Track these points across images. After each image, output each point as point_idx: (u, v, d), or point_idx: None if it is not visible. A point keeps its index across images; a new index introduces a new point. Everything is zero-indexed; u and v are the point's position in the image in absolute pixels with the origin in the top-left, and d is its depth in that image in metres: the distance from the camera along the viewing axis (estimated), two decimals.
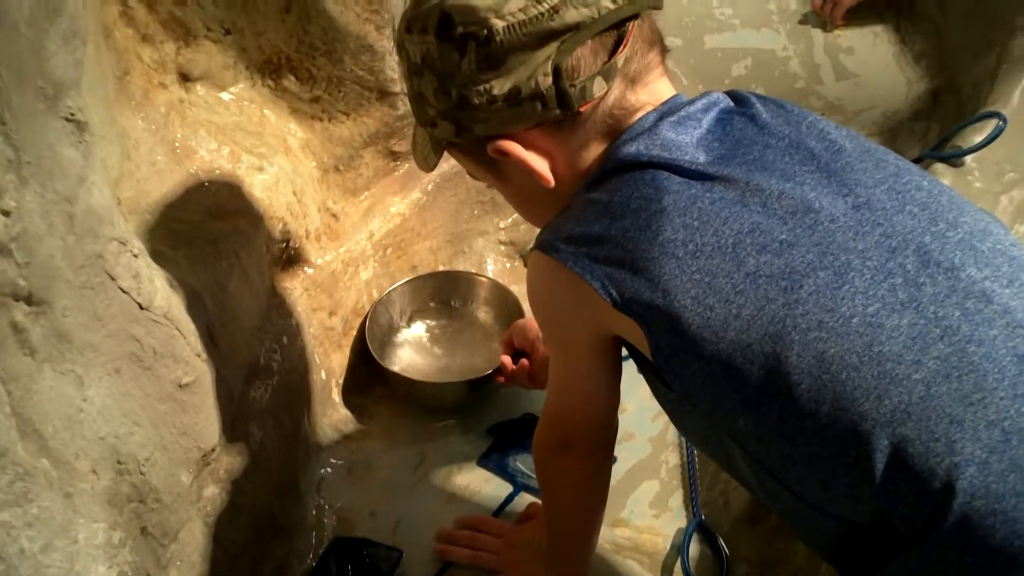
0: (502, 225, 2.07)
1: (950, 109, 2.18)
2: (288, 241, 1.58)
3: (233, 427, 1.31)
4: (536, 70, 0.99)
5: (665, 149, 0.99)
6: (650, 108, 1.04)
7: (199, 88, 1.54)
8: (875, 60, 2.45)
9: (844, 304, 0.88)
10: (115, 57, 1.32)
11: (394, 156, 1.83)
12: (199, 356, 1.18)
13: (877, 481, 0.85)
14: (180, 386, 1.12)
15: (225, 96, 1.59)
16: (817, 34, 2.52)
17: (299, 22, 1.57)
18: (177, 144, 1.43)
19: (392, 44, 1.64)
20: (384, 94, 1.70)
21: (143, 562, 1.01)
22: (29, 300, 0.83)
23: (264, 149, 1.58)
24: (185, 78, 1.51)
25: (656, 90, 1.06)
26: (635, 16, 1.01)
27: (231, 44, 1.55)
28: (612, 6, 0.98)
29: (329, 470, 1.63)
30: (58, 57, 0.87)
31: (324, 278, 1.69)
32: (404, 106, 1.75)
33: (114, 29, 1.34)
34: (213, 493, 1.25)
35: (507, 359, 1.63)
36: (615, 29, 1.00)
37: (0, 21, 0.77)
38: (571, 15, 0.96)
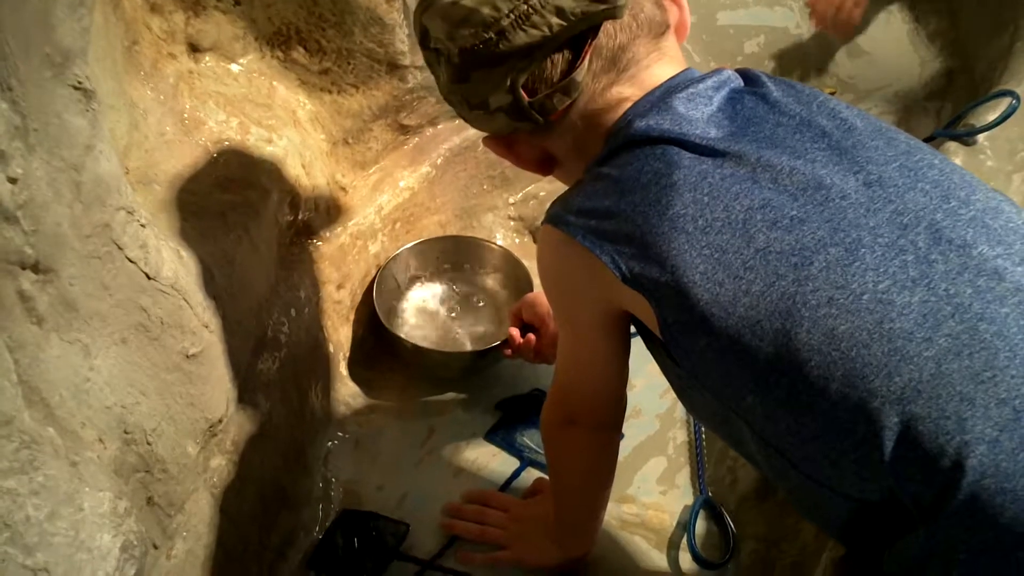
0: (511, 200, 2.06)
1: (964, 88, 2.17)
2: (297, 214, 1.58)
3: (240, 398, 1.31)
4: (496, 87, 1.03)
5: (676, 123, 0.99)
6: (640, 96, 1.04)
7: (208, 59, 1.53)
8: (888, 38, 2.43)
9: (855, 281, 0.87)
10: (124, 27, 1.32)
11: (403, 129, 1.83)
12: (206, 327, 1.17)
13: (886, 459, 0.84)
14: (187, 357, 1.12)
15: (234, 67, 1.58)
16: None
17: None
18: (186, 115, 1.42)
19: (402, 17, 1.64)
20: (394, 67, 1.69)
21: (149, 532, 1.01)
22: (36, 268, 0.83)
23: (273, 121, 1.57)
24: (194, 49, 1.51)
25: (653, 75, 1.06)
26: (594, 28, 1.01)
27: (240, 15, 1.54)
28: (563, 23, 0.98)
29: (336, 443, 1.63)
30: (65, 25, 0.87)
31: (332, 251, 1.69)
32: (413, 79, 1.74)
33: None
34: (220, 464, 1.26)
35: (515, 332, 1.63)
36: (571, 46, 1.01)
37: None
38: (520, 38, 0.99)
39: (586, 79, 1.03)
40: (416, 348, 1.73)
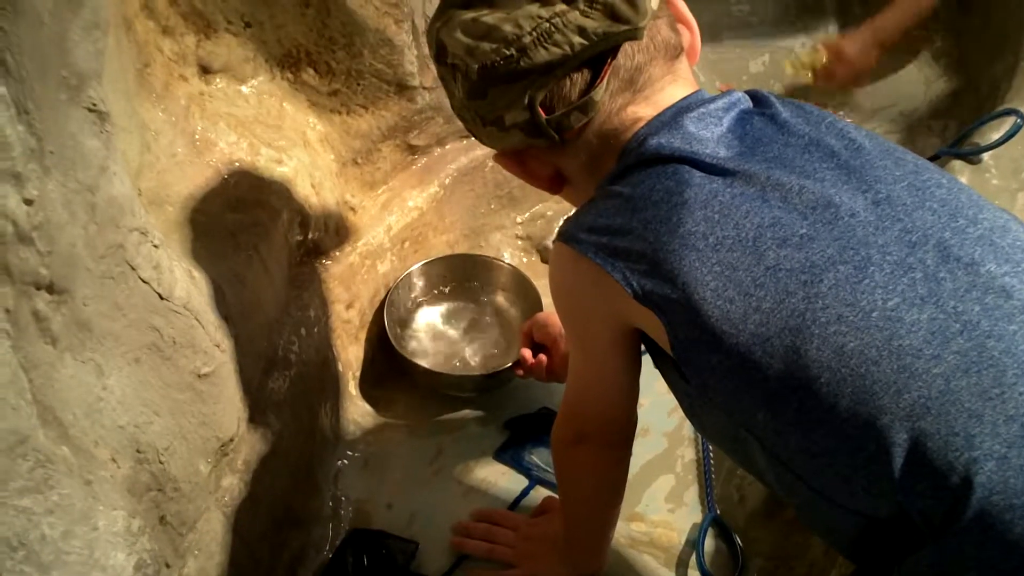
0: (519, 219, 2.07)
1: (968, 107, 2.18)
2: (306, 234, 1.59)
3: (251, 418, 1.32)
4: (513, 104, 1.03)
5: (687, 142, 1.00)
6: (653, 116, 1.05)
7: (219, 81, 1.54)
8: (894, 57, 2.44)
9: (864, 298, 0.88)
10: (136, 49, 1.33)
11: (412, 150, 1.84)
12: (218, 347, 1.18)
13: (896, 475, 0.85)
14: (199, 376, 1.13)
15: (245, 89, 1.59)
16: (835, 31, 2.52)
17: (319, 15, 1.57)
18: (197, 136, 1.43)
19: (411, 38, 1.65)
20: (402, 88, 1.70)
21: (161, 550, 1.02)
22: (51, 289, 0.84)
23: (283, 142, 1.58)
24: (205, 71, 1.52)
25: (666, 96, 1.07)
26: (614, 49, 1.02)
27: (251, 37, 1.56)
28: (585, 43, 0.99)
29: (346, 462, 1.64)
30: (80, 48, 0.88)
31: (342, 271, 1.70)
32: (422, 100, 1.76)
33: (135, 21, 1.34)
34: (231, 483, 1.26)
35: (527, 352, 1.64)
36: (591, 65, 1.02)
37: (24, 12, 0.77)
38: (541, 55, 0.99)
39: (603, 98, 1.03)
40: (427, 371, 1.73)
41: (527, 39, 0.98)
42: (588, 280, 1.03)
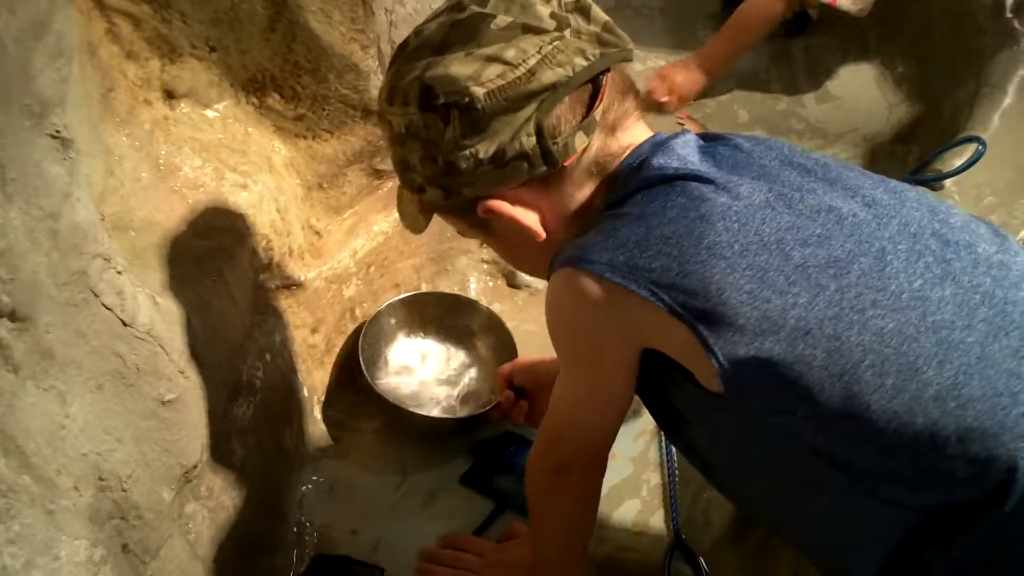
0: (484, 245, 2.07)
1: (930, 132, 2.21)
2: (271, 259, 1.58)
3: (215, 444, 1.30)
4: (519, 131, 1.03)
5: (683, 163, 1.04)
6: (640, 142, 1.09)
7: (183, 105, 1.54)
8: (856, 82, 2.47)
9: (891, 283, 0.94)
10: (100, 74, 1.32)
11: (378, 174, 1.84)
12: (182, 373, 1.18)
13: (949, 442, 0.90)
14: (163, 403, 1.12)
15: (209, 113, 1.59)
16: (799, 56, 2.54)
17: (284, 40, 1.57)
18: (161, 161, 1.43)
19: (376, 64, 1.65)
20: (368, 113, 1.70)
21: None
22: (12, 316, 0.83)
23: (248, 167, 1.58)
24: (170, 95, 1.51)
25: (634, 134, 1.11)
26: (607, 70, 1.06)
27: (216, 62, 1.55)
28: (585, 63, 1.03)
29: (311, 487, 1.63)
30: (44, 75, 0.87)
31: (307, 296, 1.69)
32: None
33: (99, 46, 1.34)
34: (194, 510, 1.25)
35: (511, 395, 1.64)
36: (590, 84, 1.05)
37: None
38: (547, 76, 1.01)
39: (601, 122, 1.07)
40: (408, 413, 1.70)
41: (533, 60, 1.01)
42: (603, 303, 1.03)
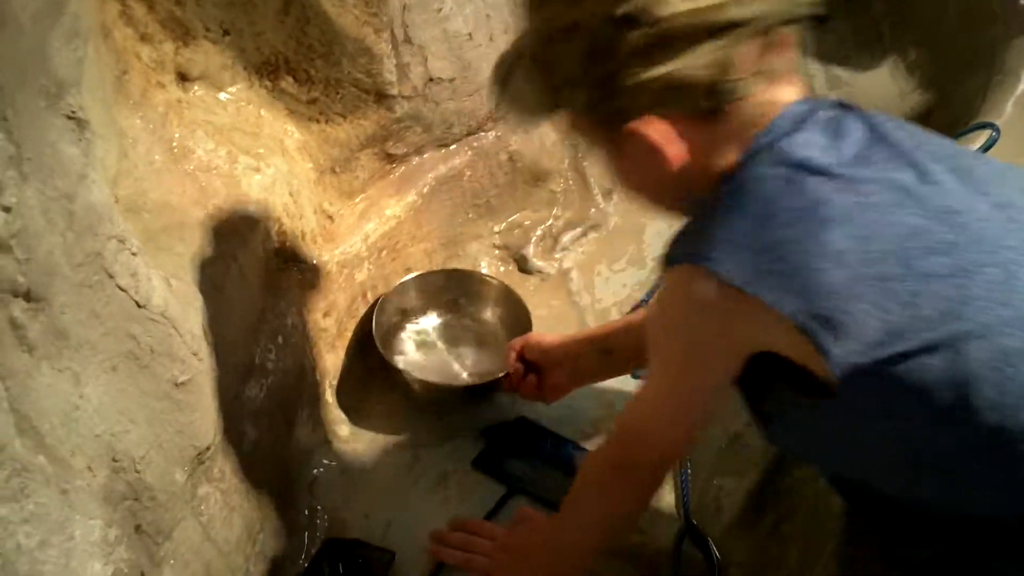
0: (496, 229, 2.07)
1: (943, 120, 2.19)
2: (284, 242, 1.58)
3: (228, 426, 1.31)
4: (695, 61, 0.99)
5: (808, 150, 0.99)
6: (784, 110, 1.04)
7: (197, 88, 1.54)
8: (869, 70, 2.46)
9: (1016, 297, 0.90)
10: (114, 56, 1.32)
11: (390, 159, 1.84)
12: (195, 355, 1.18)
13: None
14: (176, 385, 1.12)
15: (223, 96, 1.59)
16: (809, 43, 2.53)
17: (298, 23, 1.57)
18: (174, 144, 1.43)
19: (390, 47, 1.65)
20: (381, 97, 1.70)
21: (137, 559, 1.01)
22: (28, 297, 0.84)
23: (261, 150, 1.58)
24: (183, 78, 1.51)
25: (791, 92, 1.06)
26: (794, 20, 1.01)
27: (229, 44, 1.55)
28: (773, 8, 0.99)
29: (322, 471, 1.63)
30: (60, 56, 0.88)
31: (319, 279, 1.70)
32: (400, 109, 1.76)
33: (113, 29, 1.34)
34: (207, 492, 1.25)
35: (520, 368, 1.64)
36: (773, 31, 1.01)
37: (4, 21, 0.77)
38: (734, 12, 0.97)
39: (769, 74, 1.02)
40: (416, 380, 1.72)
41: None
42: (723, 304, 1.00)
